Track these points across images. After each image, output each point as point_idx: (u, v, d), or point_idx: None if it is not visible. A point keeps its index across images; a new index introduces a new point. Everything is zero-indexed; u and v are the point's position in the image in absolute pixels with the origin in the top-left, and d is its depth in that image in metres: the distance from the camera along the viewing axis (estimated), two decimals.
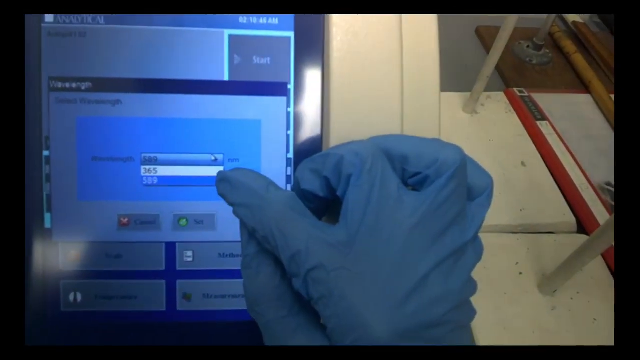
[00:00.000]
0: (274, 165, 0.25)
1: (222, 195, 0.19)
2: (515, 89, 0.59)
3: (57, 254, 0.25)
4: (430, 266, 0.17)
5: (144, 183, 0.25)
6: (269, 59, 0.24)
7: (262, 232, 0.18)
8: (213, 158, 0.25)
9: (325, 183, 0.18)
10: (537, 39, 0.62)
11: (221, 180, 0.19)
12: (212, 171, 0.25)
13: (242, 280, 0.25)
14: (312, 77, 0.24)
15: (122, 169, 0.24)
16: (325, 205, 0.20)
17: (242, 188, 0.18)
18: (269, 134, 0.25)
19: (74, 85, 0.24)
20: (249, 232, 0.19)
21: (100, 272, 0.25)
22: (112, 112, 0.24)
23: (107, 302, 0.25)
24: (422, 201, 0.17)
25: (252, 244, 0.19)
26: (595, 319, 0.42)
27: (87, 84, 0.24)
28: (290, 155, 0.25)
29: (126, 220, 0.25)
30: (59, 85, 0.24)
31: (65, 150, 0.24)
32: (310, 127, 0.25)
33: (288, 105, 0.25)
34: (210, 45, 0.24)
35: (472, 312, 0.18)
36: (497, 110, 0.58)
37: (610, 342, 0.40)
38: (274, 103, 0.25)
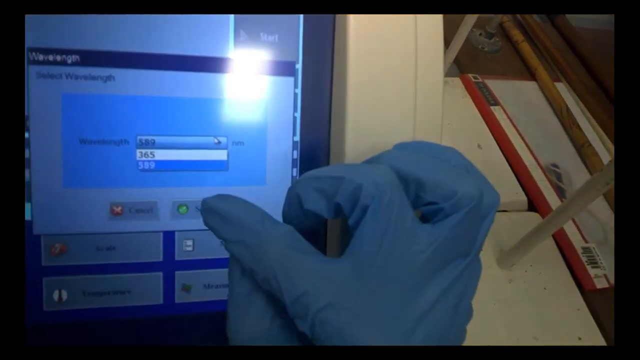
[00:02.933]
0: (280, 148, 0.24)
1: (212, 229, 0.18)
2: (470, 75, 0.61)
3: (39, 249, 0.22)
4: (433, 297, 0.17)
5: (140, 168, 0.23)
6: (276, 36, 0.23)
7: (262, 273, 0.16)
8: (216, 141, 0.23)
9: (334, 208, 0.17)
10: (489, 27, 0.65)
11: (208, 210, 0.17)
12: (215, 155, 0.23)
13: None
14: (322, 57, 0.24)
15: (115, 153, 0.22)
16: (322, 222, 0.19)
17: (235, 222, 0.17)
18: (275, 115, 0.24)
19: (58, 58, 0.21)
20: (242, 270, 0.18)
21: (90, 266, 0.23)
22: (104, 89, 0.22)
23: (96, 298, 0.23)
24: (436, 237, 0.17)
25: (244, 283, 0.18)
26: (545, 288, 0.46)
27: (74, 57, 0.21)
28: (297, 138, 0.24)
29: (119, 208, 0.23)
30: (41, 57, 0.21)
31: (48, 131, 0.21)
32: (318, 110, 0.24)
33: (295, 86, 0.24)
34: (214, 20, 0.22)
35: (464, 337, 0.18)
36: (454, 94, 0.61)
37: (558, 307, 0.44)
38: (281, 83, 0.24)
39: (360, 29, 0.22)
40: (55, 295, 0.23)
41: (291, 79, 0.24)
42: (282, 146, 0.24)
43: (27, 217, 0.22)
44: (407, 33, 0.23)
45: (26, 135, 0.21)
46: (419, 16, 0.23)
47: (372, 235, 0.16)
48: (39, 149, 0.21)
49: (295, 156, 0.24)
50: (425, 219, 0.18)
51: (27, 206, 0.22)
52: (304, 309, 0.16)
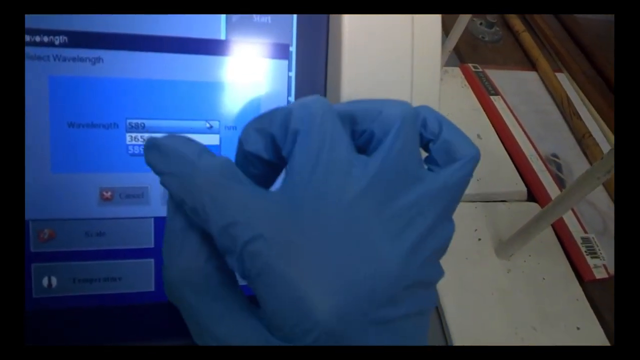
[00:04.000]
0: None
1: (150, 164, 0.16)
2: (470, 65, 0.61)
3: (28, 235, 0.22)
4: (381, 234, 0.15)
5: (130, 152, 0.22)
6: (269, 17, 0.23)
7: (191, 202, 0.15)
8: (208, 125, 0.23)
9: (270, 142, 0.16)
10: (490, 16, 0.64)
11: (150, 147, 0.16)
12: (207, 139, 0.23)
13: None
14: (317, 40, 0.23)
15: (104, 137, 0.22)
16: (274, 170, 0.18)
17: (171, 155, 0.16)
18: (269, 99, 0.23)
19: (45, 39, 0.20)
20: (176, 205, 0.16)
21: (79, 252, 0.22)
22: (92, 71, 0.21)
23: (86, 285, 0.23)
24: (372, 163, 0.15)
25: (177, 218, 0.16)
26: (544, 278, 0.46)
27: (62, 38, 0.21)
28: None
29: (109, 194, 0.22)
30: (28, 38, 0.20)
31: (35, 114, 0.21)
32: (312, 94, 0.23)
33: (289, 70, 0.23)
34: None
35: (432, 300, 0.17)
36: (454, 84, 0.60)
37: (556, 298, 0.43)
38: (275, 66, 0.23)
39: (355, 21, 0.21)
40: (45, 282, 0.22)
41: (285, 62, 0.23)
42: None
43: None
44: (404, 18, 0.22)
45: None
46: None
47: (304, 161, 0.15)
48: (26, 132, 0.21)
49: None
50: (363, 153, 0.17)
51: None
52: (232, 241, 0.14)
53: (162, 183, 0.16)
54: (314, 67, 0.23)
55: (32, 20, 0.20)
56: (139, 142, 0.22)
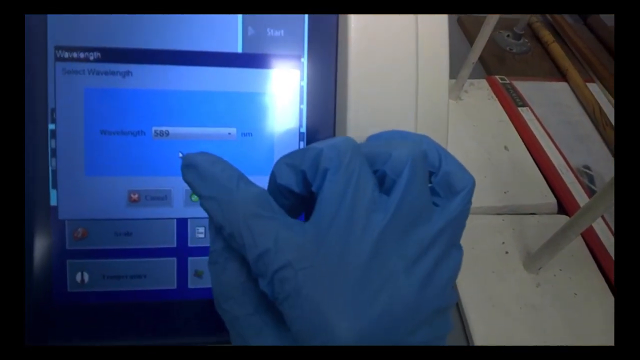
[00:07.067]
0: (287, 138, 0.25)
1: (189, 183, 0.18)
2: (497, 77, 0.60)
3: (64, 233, 0.24)
4: (398, 265, 0.16)
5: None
6: (282, 31, 0.24)
7: (228, 229, 0.17)
8: (225, 132, 0.24)
9: (301, 178, 0.18)
10: (517, 28, 0.64)
11: (188, 165, 0.18)
12: (225, 145, 0.24)
13: None
14: (326, 51, 0.24)
15: (132, 143, 0.24)
16: (303, 202, 0.19)
17: (210, 179, 0.17)
18: (283, 107, 0.25)
19: (81, 55, 0.23)
20: (216, 228, 0.18)
21: (109, 250, 0.24)
22: (122, 83, 0.23)
23: (115, 281, 0.25)
24: (390, 201, 0.17)
25: (219, 239, 0.18)
26: (575, 294, 0.44)
27: (96, 54, 0.23)
28: (303, 129, 0.25)
29: (136, 196, 0.24)
30: (66, 55, 0.23)
31: (72, 123, 0.23)
32: (323, 102, 0.25)
33: (301, 79, 0.25)
34: (224, 17, 0.24)
35: (448, 325, 0.18)
36: (480, 96, 0.60)
37: (589, 314, 0.42)
38: (288, 76, 0.24)
39: (361, 25, 0.23)
40: (78, 277, 0.24)
41: (297, 72, 0.25)
42: (289, 137, 0.25)
43: (53, 202, 0.24)
44: (408, 29, 0.23)
45: (53, 127, 0.23)
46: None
47: (331, 198, 0.16)
48: (64, 139, 0.23)
49: (301, 147, 0.25)
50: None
51: (53, 193, 0.23)
52: (264, 267, 0.16)
53: (201, 205, 0.18)
54: (324, 77, 0.25)
55: (69, 39, 0.23)
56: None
